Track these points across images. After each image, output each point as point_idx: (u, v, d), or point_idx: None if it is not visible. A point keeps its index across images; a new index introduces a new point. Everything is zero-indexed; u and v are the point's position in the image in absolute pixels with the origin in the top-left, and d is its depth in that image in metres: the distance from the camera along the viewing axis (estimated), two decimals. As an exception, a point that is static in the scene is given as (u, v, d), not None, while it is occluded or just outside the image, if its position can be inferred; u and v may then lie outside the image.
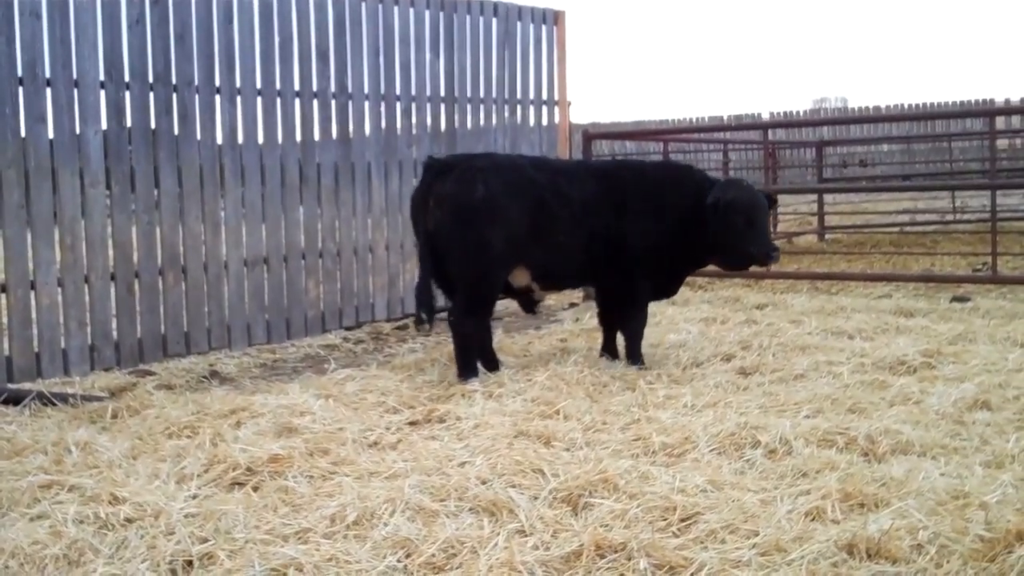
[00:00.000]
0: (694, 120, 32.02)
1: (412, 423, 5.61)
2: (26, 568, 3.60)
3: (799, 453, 4.77)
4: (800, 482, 4.38)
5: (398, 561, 3.61)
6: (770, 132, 17.37)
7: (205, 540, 3.80)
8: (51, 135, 6.98)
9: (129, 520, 4.04)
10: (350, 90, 8.90)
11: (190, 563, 3.66)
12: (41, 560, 3.65)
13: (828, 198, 16.72)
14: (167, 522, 3.97)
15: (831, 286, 10.70)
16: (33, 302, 6.93)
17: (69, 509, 4.12)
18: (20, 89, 6.82)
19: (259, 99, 8.22)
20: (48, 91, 6.95)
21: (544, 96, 10.78)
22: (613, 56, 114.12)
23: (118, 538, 3.85)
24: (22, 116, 6.83)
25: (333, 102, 8.79)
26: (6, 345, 6.81)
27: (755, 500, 4.12)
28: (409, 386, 6.45)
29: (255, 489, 4.49)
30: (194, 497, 4.35)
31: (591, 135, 12.04)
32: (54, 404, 6.22)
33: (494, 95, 10.24)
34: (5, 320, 6.82)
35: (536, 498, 4.19)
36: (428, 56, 9.57)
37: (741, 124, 24.66)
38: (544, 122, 10.81)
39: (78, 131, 7.11)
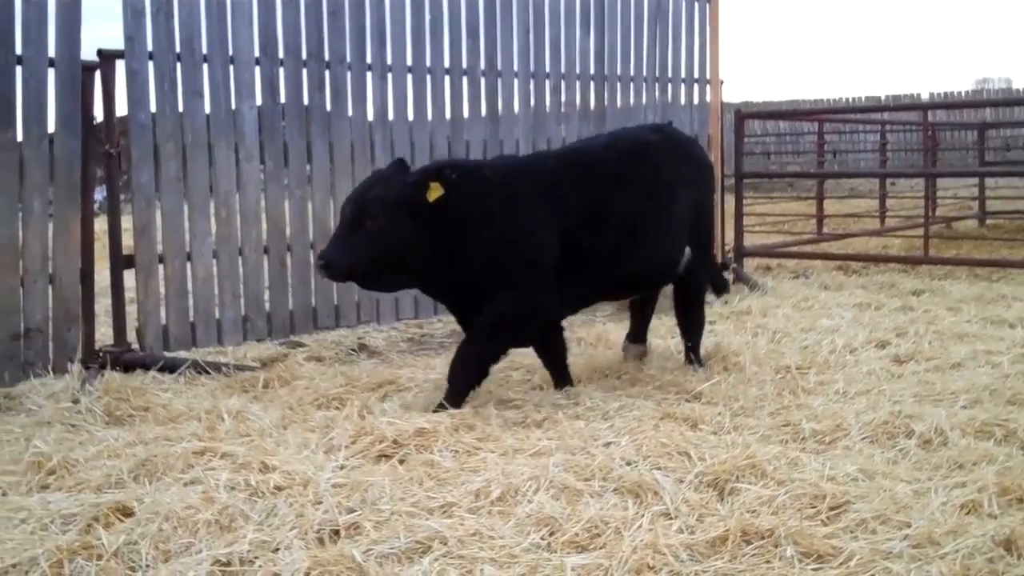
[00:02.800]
0: (850, 100, 31.19)
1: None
2: (179, 531, 3.70)
3: (955, 444, 4.62)
4: (955, 474, 4.25)
5: (541, 539, 3.60)
6: (930, 113, 16.76)
7: (352, 510, 3.85)
8: (207, 110, 7.15)
9: (279, 488, 4.12)
10: (499, 68, 8.88)
11: (337, 532, 3.71)
12: (193, 524, 3.74)
13: (990, 182, 16.12)
14: (315, 491, 4.03)
15: (991, 273, 10.32)
16: (189, 273, 7.11)
17: (221, 475, 4.21)
18: (178, 65, 6.98)
19: (409, 76, 8.26)
20: (205, 67, 7.11)
21: (696, 74, 10.59)
22: (767, 33, 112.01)
23: (268, 505, 3.93)
24: (180, 91, 7.00)
25: (482, 80, 8.79)
26: (163, 314, 7.00)
27: (908, 491, 4.00)
28: (554, 364, 6.42)
29: (401, 462, 4.54)
30: (342, 468, 4.41)
31: (744, 115, 11.84)
32: (208, 373, 6.38)
33: (644, 73, 10.10)
34: (163, 290, 7.01)
35: (682, 481, 4.14)
36: (578, 33, 9.49)
37: (900, 104, 23.82)
38: (695, 101, 10.62)
39: (234, 106, 7.26)
